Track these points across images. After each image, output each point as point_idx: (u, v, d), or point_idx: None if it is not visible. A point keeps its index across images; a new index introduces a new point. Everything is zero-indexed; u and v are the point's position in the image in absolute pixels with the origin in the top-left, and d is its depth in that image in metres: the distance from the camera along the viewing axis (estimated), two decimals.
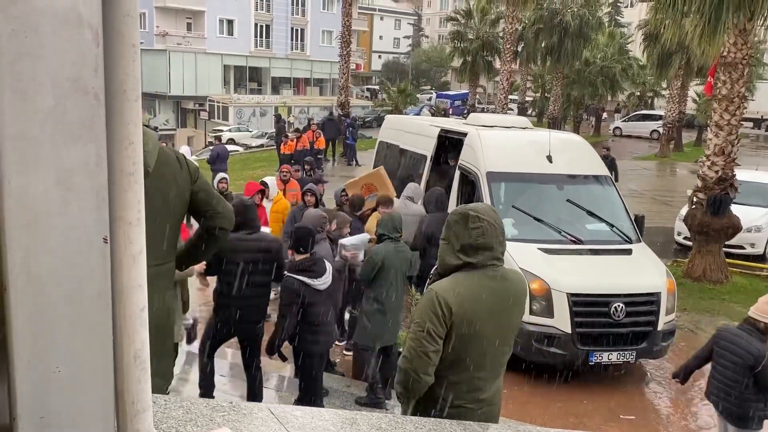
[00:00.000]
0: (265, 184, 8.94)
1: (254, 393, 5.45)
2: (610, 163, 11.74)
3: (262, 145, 34.57)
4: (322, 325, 5.12)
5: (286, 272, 5.06)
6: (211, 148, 17.45)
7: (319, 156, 20.33)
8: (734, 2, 9.59)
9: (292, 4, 53.44)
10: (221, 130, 36.87)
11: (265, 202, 8.63)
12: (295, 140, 19.05)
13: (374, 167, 12.22)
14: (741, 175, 11.43)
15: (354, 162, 23.34)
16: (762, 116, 43.90)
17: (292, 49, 54.16)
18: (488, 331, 2.73)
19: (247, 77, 52.11)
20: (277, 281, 5.45)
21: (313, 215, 6.25)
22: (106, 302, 1.28)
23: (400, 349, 5.98)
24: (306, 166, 12.31)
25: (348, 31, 28.96)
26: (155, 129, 23.37)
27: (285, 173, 10.54)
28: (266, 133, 36.77)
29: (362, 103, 50.29)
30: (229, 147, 26.95)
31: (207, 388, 5.46)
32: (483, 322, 2.70)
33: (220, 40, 48.38)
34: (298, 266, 5.01)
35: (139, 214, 1.35)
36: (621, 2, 67.01)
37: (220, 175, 10.27)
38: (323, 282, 5.03)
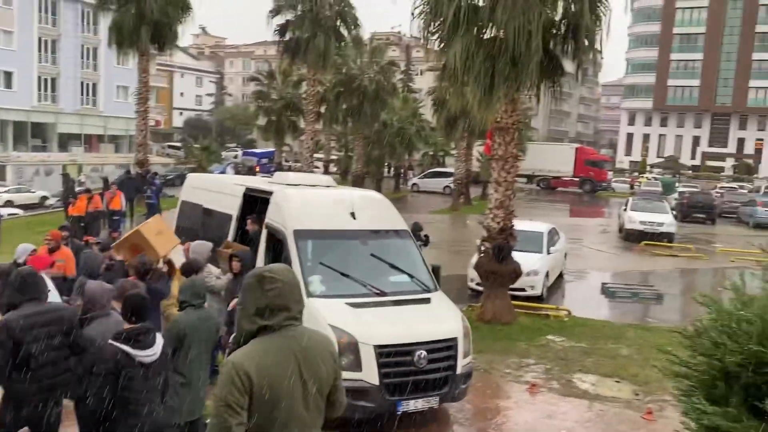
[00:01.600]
0: None
1: None
2: (425, 238, 12.79)
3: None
4: (142, 405, 4.49)
5: (110, 340, 4.50)
6: None
7: (115, 217, 19.01)
8: (504, 75, 10.96)
9: (82, 58, 50.27)
10: None
11: None
12: (86, 201, 17.61)
13: (177, 228, 11.73)
14: (518, 225, 12.84)
15: None
16: (533, 173, 50.15)
17: (82, 104, 50.63)
18: (294, 394, 2.72)
19: (29, 133, 47.45)
20: (74, 354, 4.87)
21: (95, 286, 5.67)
22: None
23: (207, 421, 5.70)
24: (66, 231, 10.71)
25: (145, 87, 27.93)
26: None
27: (50, 240, 9.14)
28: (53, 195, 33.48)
29: (163, 160, 48.26)
30: (6, 210, 24.14)
31: None
32: (286, 385, 2.69)
33: None
34: (123, 335, 4.51)
35: None
36: (412, 71, 72.99)
37: (26, 246, 8.11)
38: (148, 354, 4.51)
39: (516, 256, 12.17)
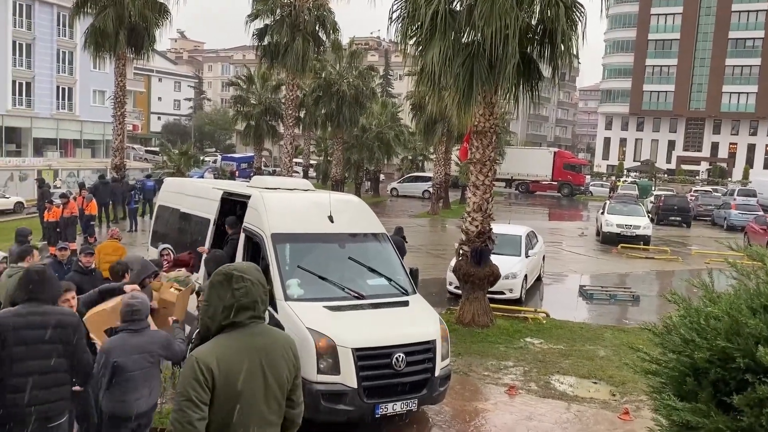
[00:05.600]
0: None
1: None
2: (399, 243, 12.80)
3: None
4: None
5: None
6: None
7: (91, 222, 18.81)
8: (481, 79, 11.03)
9: (58, 62, 49.63)
10: None
11: None
12: (61, 206, 17.38)
13: (154, 233, 11.63)
14: (497, 228, 12.90)
15: (134, 228, 22.36)
16: (512, 177, 50.53)
17: (58, 109, 49.99)
18: (255, 390, 2.74)
19: (3, 138, 46.71)
20: (77, 371, 4.52)
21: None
22: None
23: None
24: None
25: (122, 91, 27.63)
26: None
27: None
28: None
29: (141, 165, 47.78)
30: None
31: None
32: (248, 381, 2.71)
33: None
34: None
35: None
36: (391, 75, 73.27)
37: None
38: None
39: (494, 259, 12.22)
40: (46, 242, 16.77)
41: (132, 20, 25.56)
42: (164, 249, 8.10)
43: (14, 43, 46.40)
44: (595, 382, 9.34)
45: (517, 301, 13.81)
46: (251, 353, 2.74)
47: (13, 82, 46.58)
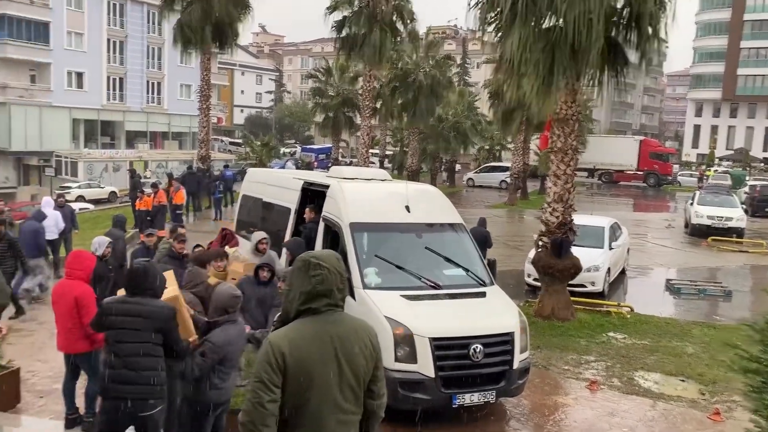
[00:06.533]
0: None
1: None
2: (485, 234, 12.69)
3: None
4: None
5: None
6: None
7: (178, 211, 19.66)
8: (563, 65, 10.68)
9: (148, 58, 52.13)
10: (69, 187, 34.55)
11: None
12: (152, 195, 18.27)
13: (237, 222, 12.03)
14: (578, 219, 12.51)
15: (219, 216, 23.18)
16: (594, 166, 48.82)
17: (148, 103, 52.51)
18: (328, 377, 2.75)
19: (99, 131, 49.61)
20: (169, 355, 4.78)
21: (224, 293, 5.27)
22: None
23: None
24: None
25: (207, 84, 28.65)
26: None
27: None
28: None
29: (225, 156, 49.52)
30: (78, 205, 25.29)
31: None
32: (320, 367, 2.73)
33: (68, 93, 45.83)
34: None
35: None
36: (468, 64, 72.34)
37: (102, 239, 7.89)
38: None
39: (576, 251, 11.88)
40: (137, 230, 17.68)
41: (217, 16, 26.42)
42: (264, 239, 8.25)
43: (108, 40, 49.05)
44: (683, 380, 8.93)
45: (599, 295, 13.38)
46: (324, 340, 2.76)
47: (108, 77, 49.26)
